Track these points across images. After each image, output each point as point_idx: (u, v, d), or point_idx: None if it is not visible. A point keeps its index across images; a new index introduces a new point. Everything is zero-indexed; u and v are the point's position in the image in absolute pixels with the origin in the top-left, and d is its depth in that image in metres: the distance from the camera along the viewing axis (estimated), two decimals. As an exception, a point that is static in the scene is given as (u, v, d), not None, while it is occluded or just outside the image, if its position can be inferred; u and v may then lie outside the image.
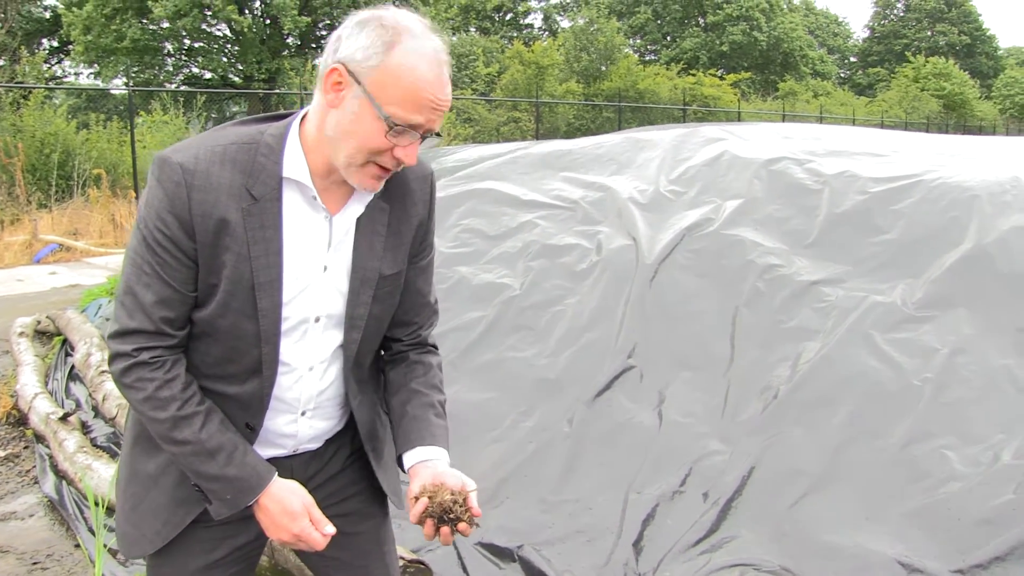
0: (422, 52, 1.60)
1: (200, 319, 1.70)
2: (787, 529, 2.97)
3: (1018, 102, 59.78)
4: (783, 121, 33.41)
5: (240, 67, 28.13)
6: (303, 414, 1.83)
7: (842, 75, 70.01)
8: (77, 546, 3.79)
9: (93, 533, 3.82)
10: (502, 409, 3.58)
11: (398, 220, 1.83)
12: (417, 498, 1.72)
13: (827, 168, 4.61)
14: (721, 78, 38.57)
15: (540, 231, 4.67)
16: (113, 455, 4.42)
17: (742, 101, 38.29)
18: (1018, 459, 2.94)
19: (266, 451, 1.83)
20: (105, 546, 3.52)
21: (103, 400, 4.88)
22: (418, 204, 1.87)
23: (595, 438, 3.40)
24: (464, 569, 3.01)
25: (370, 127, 1.61)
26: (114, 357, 1.69)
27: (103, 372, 5.16)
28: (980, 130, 48.22)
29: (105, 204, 14.40)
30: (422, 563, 2.84)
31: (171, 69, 29.53)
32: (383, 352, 1.99)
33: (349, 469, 1.99)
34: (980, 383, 3.27)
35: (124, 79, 26.60)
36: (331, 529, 1.74)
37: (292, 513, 1.71)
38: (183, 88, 25.70)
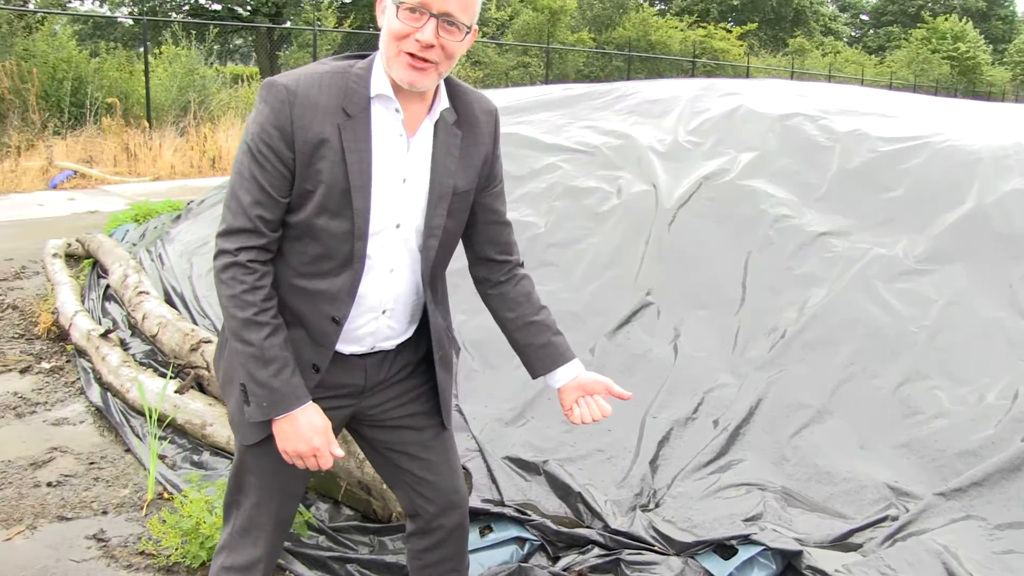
0: None
1: (299, 222, 1.98)
2: (789, 455, 3.27)
3: (1031, 68, 59.47)
4: (791, 78, 33.37)
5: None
6: (383, 312, 2.11)
7: (853, 34, 69.42)
8: (127, 451, 4.08)
9: (140, 439, 4.12)
10: (529, 338, 3.85)
11: (468, 145, 2.11)
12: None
13: (839, 126, 4.84)
14: (728, 31, 38.35)
15: (563, 174, 4.92)
16: (155, 370, 4.70)
17: (751, 56, 38.16)
18: (1001, 400, 3.23)
19: (348, 347, 2.12)
20: (161, 457, 3.83)
21: (143, 319, 5.15)
22: (484, 134, 2.16)
23: (615, 367, 3.68)
24: (494, 481, 3.30)
25: (391, 19, 1.89)
26: (218, 254, 1.98)
27: (140, 293, 5.43)
28: (989, 96, 48.09)
29: (118, 133, 14.53)
30: (464, 468, 3.13)
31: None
32: (486, 280, 2.29)
33: (415, 375, 2.28)
34: (972, 332, 3.54)
35: (130, 8, 26.50)
36: (340, 452, 2.04)
37: (315, 428, 1.99)
38: (193, 19, 25.60)
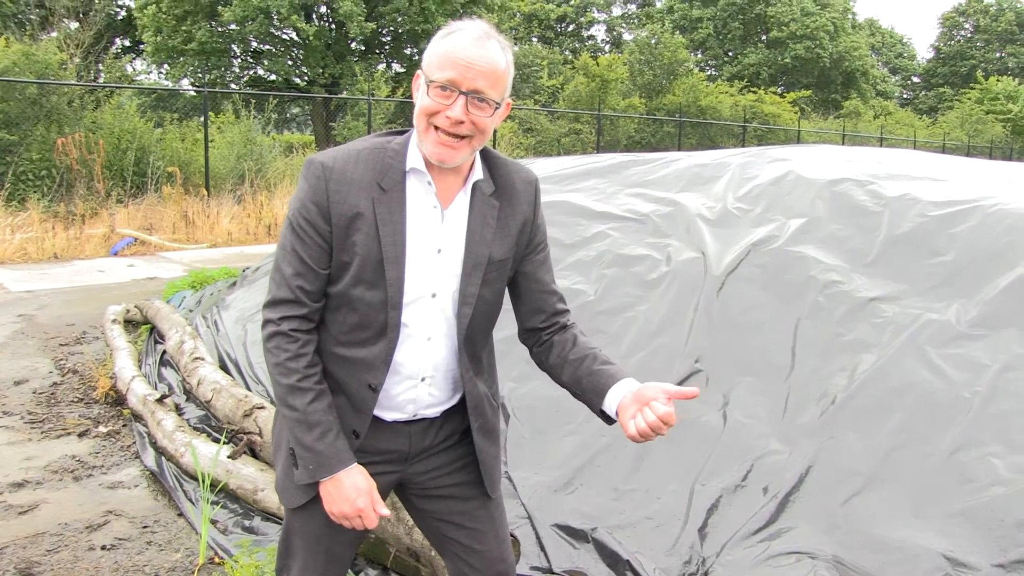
0: (463, 30, 1.96)
1: (337, 292, 2.06)
2: (840, 523, 3.22)
3: (1086, 129, 58.57)
4: (843, 141, 33.27)
5: (304, 70, 28.74)
6: (423, 380, 2.16)
7: (905, 96, 69.19)
8: (180, 515, 4.14)
9: (193, 504, 4.18)
10: (577, 404, 3.84)
11: (506, 215, 2.17)
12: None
13: (888, 191, 4.83)
14: (781, 96, 38.46)
15: (612, 241, 4.96)
16: (209, 435, 4.78)
17: (802, 120, 38.17)
18: (1061, 469, 3.16)
19: (390, 414, 2.17)
20: (213, 521, 3.88)
21: (197, 384, 5.26)
22: (523, 204, 2.21)
23: (663, 434, 3.67)
24: (542, 548, 3.30)
25: (423, 96, 1.97)
26: (264, 323, 2.07)
27: (196, 359, 5.54)
28: (1046, 156, 47.41)
29: (177, 201, 14.94)
30: (512, 535, 3.14)
31: (237, 71, 30.28)
32: (534, 348, 2.32)
33: (460, 445, 2.31)
34: (1027, 398, 3.48)
35: (191, 80, 27.36)
36: (385, 511, 2.08)
37: (359, 489, 2.04)
38: (252, 90, 26.34)
